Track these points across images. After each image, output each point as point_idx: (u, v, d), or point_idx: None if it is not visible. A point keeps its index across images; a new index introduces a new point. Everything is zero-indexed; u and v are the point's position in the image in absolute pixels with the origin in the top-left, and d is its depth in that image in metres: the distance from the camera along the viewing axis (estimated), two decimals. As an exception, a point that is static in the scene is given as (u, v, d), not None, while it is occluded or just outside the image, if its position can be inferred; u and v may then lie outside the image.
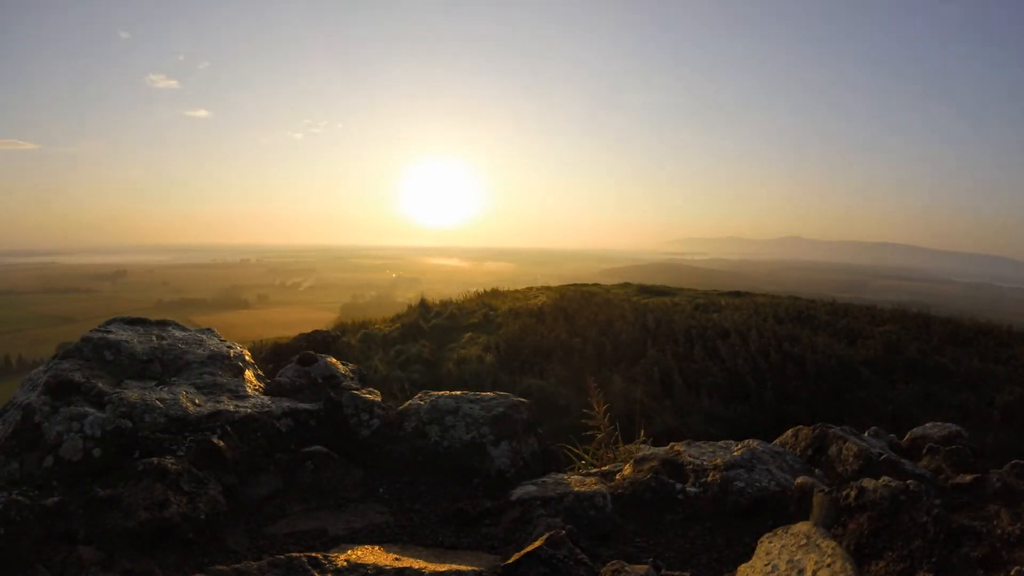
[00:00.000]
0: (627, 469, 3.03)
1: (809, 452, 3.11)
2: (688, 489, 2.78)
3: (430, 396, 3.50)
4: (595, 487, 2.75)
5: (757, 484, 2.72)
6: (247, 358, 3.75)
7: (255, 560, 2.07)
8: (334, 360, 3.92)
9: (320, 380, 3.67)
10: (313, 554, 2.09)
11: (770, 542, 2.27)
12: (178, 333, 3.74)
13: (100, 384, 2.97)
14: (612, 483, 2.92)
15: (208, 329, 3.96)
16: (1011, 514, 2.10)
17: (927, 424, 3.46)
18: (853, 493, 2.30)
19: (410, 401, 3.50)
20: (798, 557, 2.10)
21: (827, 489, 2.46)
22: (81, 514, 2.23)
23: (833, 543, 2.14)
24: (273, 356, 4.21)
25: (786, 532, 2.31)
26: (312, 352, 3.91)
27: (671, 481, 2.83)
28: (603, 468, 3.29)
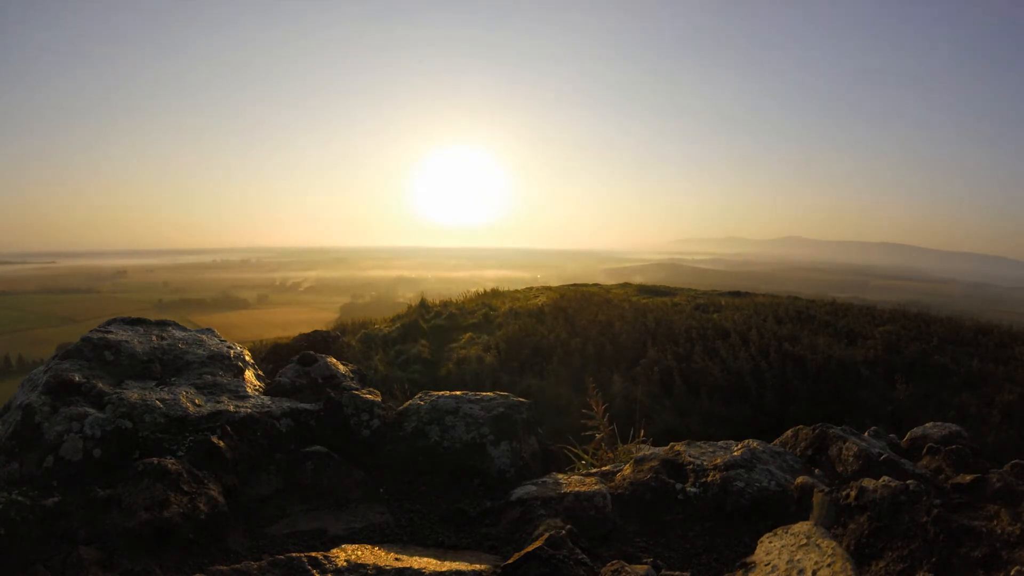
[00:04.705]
0: (627, 469, 3.03)
1: (809, 452, 3.11)
2: (688, 489, 2.78)
3: (430, 396, 3.50)
4: (595, 487, 2.75)
5: (757, 484, 2.72)
6: (247, 358, 3.75)
7: (255, 560, 2.07)
8: (334, 360, 3.92)
9: (320, 380, 3.67)
10: (313, 554, 2.09)
11: (770, 542, 2.27)
12: (178, 333, 3.74)
13: (100, 384, 2.97)
14: (612, 483, 2.92)
15: (208, 329, 3.96)
16: (1011, 514, 2.10)
17: (927, 424, 3.45)
18: (853, 493, 2.30)
19: (410, 401, 3.50)
20: (798, 557, 2.10)
21: (827, 489, 2.46)
22: (81, 514, 2.23)
23: (833, 543, 2.14)
24: (273, 356, 4.21)
25: (786, 532, 2.31)
26: (312, 352, 3.91)
27: (671, 481, 2.83)
28: (603, 468, 3.29)
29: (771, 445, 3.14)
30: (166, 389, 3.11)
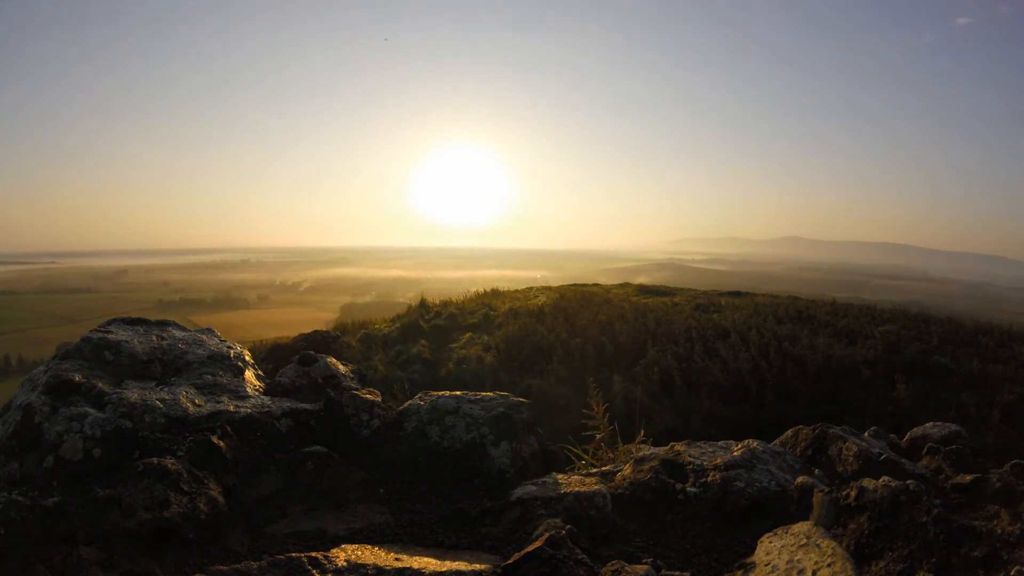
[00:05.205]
0: (627, 469, 3.03)
1: (809, 452, 3.11)
2: (688, 489, 2.78)
3: (430, 396, 3.50)
4: (595, 487, 2.75)
5: (757, 484, 2.72)
6: (247, 358, 3.75)
7: (255, 560, 2.07)
8: (334, 360, 3.92)
9: (320, 380, 3.67)
10: (313, 554, 2.09)
11: (770, 542, 2.27)
12: (178, 333, 3.74)
13: (100, 384, 2.97)
14: (612, 483, 2.92)
15: (208, 329, 3.96)
16: (1011, 514, 2.11)
17: (927, 424, 3.46)
18: (853, 493, 2.30)
19: (410, 401, 3.50)
20: (798, 557, 2.10)
21: (827, 489, 2.46)
22: (81, 514, 2.23)
23: (833, 543, 2.14)
24: (273, 356, 4.21)
25: (786, 532, 2.31)
26: (312, 352, 3.91)
27: (671, 481, 2.83)
28: (603, 468, 3.29)
29: (771, 445, 3.14)
30: (166, 389, 3.11)
